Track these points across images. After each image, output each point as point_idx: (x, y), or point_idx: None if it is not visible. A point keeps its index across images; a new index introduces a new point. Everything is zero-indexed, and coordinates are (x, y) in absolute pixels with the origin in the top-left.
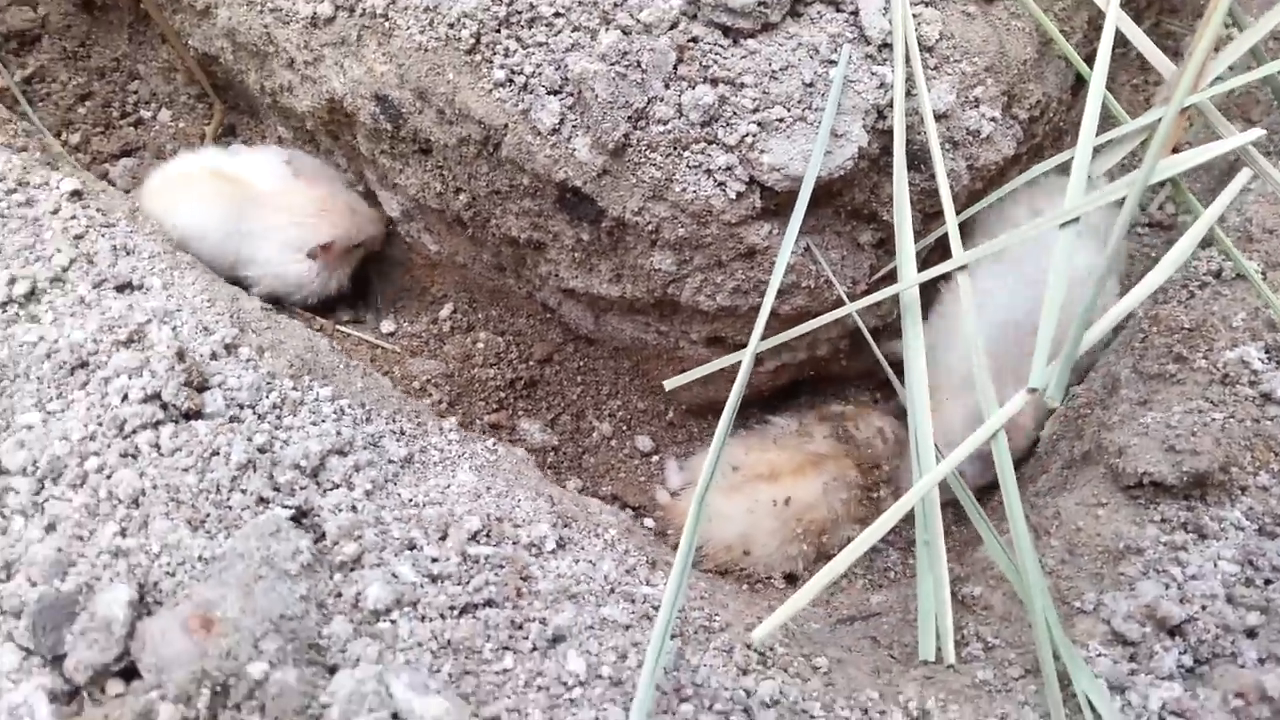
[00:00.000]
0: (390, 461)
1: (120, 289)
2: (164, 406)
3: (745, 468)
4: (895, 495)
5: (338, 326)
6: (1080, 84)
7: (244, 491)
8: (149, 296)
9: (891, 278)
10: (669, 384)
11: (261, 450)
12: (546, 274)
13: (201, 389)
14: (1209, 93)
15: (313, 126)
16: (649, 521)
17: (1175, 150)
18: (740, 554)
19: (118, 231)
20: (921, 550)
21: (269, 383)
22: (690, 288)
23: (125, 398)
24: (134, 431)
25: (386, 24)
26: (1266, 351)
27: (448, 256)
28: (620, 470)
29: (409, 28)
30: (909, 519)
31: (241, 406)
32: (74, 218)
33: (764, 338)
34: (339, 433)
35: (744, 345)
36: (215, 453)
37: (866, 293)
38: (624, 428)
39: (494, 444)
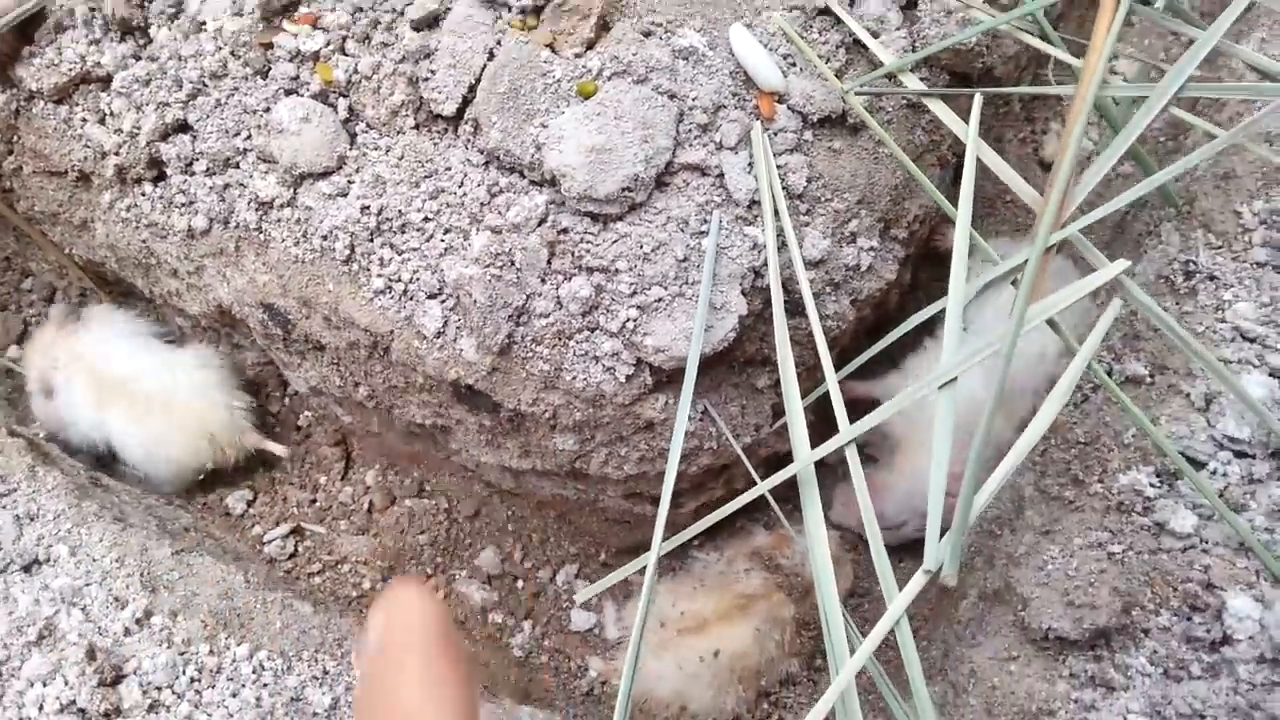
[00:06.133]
0: (315, 716)
1: (27, 569)
2: (81, 713)
3: (671, 622)
4: None
5: None
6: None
7: None
8: (57, 572)
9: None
10: (580, 596)
11: None
12: (457, 449)
13: (116, 682)
14: (1082, 222)
15: (207, 325)
16: (593, 672)
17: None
18: (679, 710)
19: (19, 497)
20: None
21: (184, 654)
22: (596, 462)
23: (42, 708)
24: None
25: (261, 236)
26: (1157, 475)
27: (362, 428)
28: (563, 621)
29: (283, 240)
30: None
31: (160, 689)
32: None
33: (674, 511)
34: (259, 701)
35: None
36: None
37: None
38: (560, 575)
39: None
